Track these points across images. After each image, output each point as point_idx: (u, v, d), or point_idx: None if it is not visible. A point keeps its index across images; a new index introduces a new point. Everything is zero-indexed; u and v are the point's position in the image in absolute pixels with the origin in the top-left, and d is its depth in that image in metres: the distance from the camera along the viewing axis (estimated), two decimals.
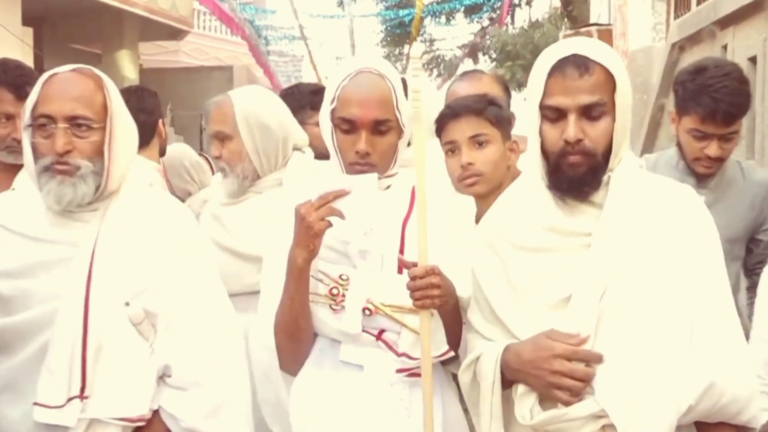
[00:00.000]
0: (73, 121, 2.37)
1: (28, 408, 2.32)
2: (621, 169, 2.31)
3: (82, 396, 2.31)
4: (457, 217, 2.63)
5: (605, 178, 2.29)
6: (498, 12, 19.71)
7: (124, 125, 2.47)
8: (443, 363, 2.55)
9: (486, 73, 3.76)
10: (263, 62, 19.44)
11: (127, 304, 2.37)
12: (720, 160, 3.32)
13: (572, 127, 2.21)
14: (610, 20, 12.59)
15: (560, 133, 2.23)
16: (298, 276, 2.43)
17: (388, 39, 22.61)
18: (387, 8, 20.79)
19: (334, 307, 2.48)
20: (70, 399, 2.30)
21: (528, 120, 2.33)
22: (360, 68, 2.53)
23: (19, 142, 3.26)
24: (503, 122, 3.05)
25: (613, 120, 2.24)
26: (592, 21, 14.79)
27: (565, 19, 18.05)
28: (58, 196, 2.35)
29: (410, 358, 2.46)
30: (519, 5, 21.26)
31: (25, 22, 10.32)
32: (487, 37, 20.97)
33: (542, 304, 2.27)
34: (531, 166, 2.39)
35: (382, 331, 2.48)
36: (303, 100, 3.87)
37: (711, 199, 3.15)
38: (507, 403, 2.31)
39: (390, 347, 2.47)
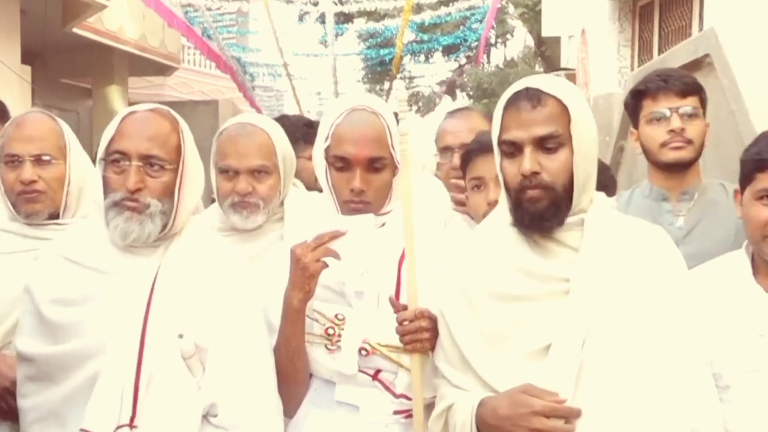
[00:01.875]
0: (147, 160, 2.34)
1: None
2: (594, 211, 2.24)
3: (131, 425, 2.25)
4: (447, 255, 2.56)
5: (577, 219, 2.22)
6: (475, 51, 20.04)
7: (194, 168, 2.45)
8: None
9: (474, 110, 3.71)
10: (249, 97, 19.64)
11: (180, 336, 2.32)
12: (689, 142, 3.08)
13: (527, 160, 2.15)
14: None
15: (518, 168, 2.17)
16: (293, 317, 2.38)
17: (369, 76, 22.89)
18: (368, 47, 21.05)
19: (329, 347, 2.42)
20: (119, 427, 2.24)
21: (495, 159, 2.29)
22: (354, 106, 2.48)
23: None
24: None
25: (572, 152, 2.18)
26: (562, 64, 15.01)
27: (539, 59, 18.36)
28: (124, 233, 2.33)
29: (408, 399, 2.39)
30: (495, 45, 21.63)
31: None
32: (464, 75, 21.31)
33: (519, 353, 2.18)
34: (499, 206, 2.34)
35: (378, 371, 2.42)
36: (297, 132, 3.65)
37: (690, 221, 3.09)
38: None
39: (387, 388, 2.41)
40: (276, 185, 2.94)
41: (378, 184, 2.46)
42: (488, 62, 21.79)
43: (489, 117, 3.50)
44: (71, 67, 14.11)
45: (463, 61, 22.34)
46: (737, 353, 2.40)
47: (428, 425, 2.35)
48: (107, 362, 2.26)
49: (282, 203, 3.03)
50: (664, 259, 2.25)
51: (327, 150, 2.47)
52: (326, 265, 2.33)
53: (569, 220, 2.21)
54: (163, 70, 16.29)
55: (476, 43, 19.02)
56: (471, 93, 20.53)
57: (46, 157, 2.84)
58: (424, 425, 2.34)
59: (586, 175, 2.21)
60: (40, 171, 2.82)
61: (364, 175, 2.43)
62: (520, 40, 19.83)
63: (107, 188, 2.35)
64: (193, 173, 2.44)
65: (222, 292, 2.40)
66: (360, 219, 2.36)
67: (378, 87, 23.13)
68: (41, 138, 2.85)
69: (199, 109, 15.36)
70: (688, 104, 3.10)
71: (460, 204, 3.12)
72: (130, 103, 14.77)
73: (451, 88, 22.23)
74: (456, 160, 3.12)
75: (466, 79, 20.88)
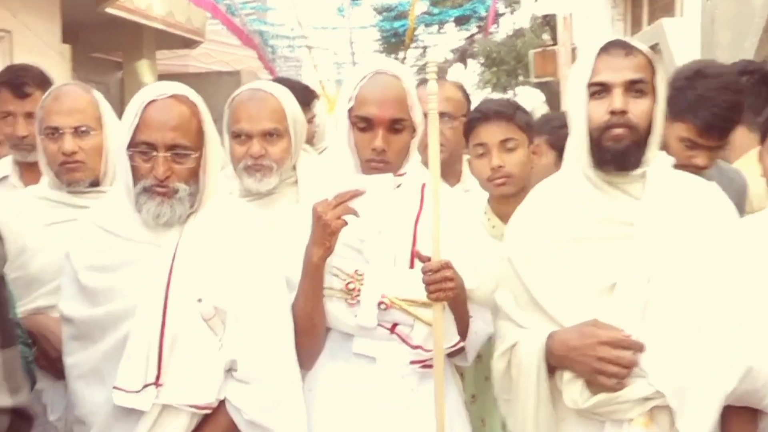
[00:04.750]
0: (173, 150, 2.36)
1: (108, 393, 2.32)
2: (656, 165, 2.30)
3: (157, 383, 2.30)
4: (463, 212, 2.58)
5: (640, 172, 2.27)
6: (484, 21, 20.31)
7: (215, 147, 2.47)
8: (449, 355, 2.49)
9: (447, 80, 3.67)
10: (270, 67, 19.95)
11: (199, 300, 2.36)
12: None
13: (618, 98, 2.22)
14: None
15: (606, 108, 2.23)
16: (313, 273, 2.39)
17: (385, 46, 23.17)
18: (383, 20, 21.35)
19: (350, 301, 2.43)
20: (146, 385, 2.29)
21: (572, 102, 2.32)
22: (377, 69, 2.50)
23: (22, 138, 3.29)
24: (529, 127, 3.03)
25: (654, 102, 2.26)
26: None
27: (546, 28, 18.58)
28: (157, 215, 2.36)
29: (424, 350, 2.40)
30: (503, 14, 21.84)
31: None
32: (475, 44, 21.52)
33: (586, 291, 2.23)
34: (571, 153, 2.36)
35: (395, 325, 2.43)
36: (296, 96, 3.42)
37: None
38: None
39: (404, 340, 2.41)
40: (288, 148, 2.94)
41: (398, 145, 2.47)
42: (497, 31, 21.99)
43: (460, 87, 3.60)
44: (103, 43, 14.22)
45: (474, 30, 22.49)
46: None
47: (492, 364, 2.41)
48: (135, 325, 2.32)
49: (294, 167, 3.03)
50: (720, 210, 2.31)
51: (350, 111, 2.48)
52: (346, 223, 2.34)
53: (634, 172, 2.28)
54: (189, 43, 16.20)
55: (486, 14, 19.20)
56: (481, 62, 20.83)
57: (85, 129, 2.86)
58: (444, 372, 2.37)
59: (661, 127, 2.29)
60: (80, 142, 2.85)
61: (386, 135, 2.44)
62: (528, 10, 20.03)
63: (136, 174, 2.37)
64: (215, 153, 2.47)
65: (240, 255, 2.43)
66: (379, 179, 2.37)
67: (393, 56, 23.35)
68: (79, 110, 2.87)
69: (222, 79, 15.58)
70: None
71: None
72: (158, 75, 15.21)
73: (462, 57, 22.47)
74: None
75: (476, 49, 21.13)
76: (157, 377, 2.31)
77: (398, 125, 2.46)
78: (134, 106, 2.38)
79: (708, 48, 6.39)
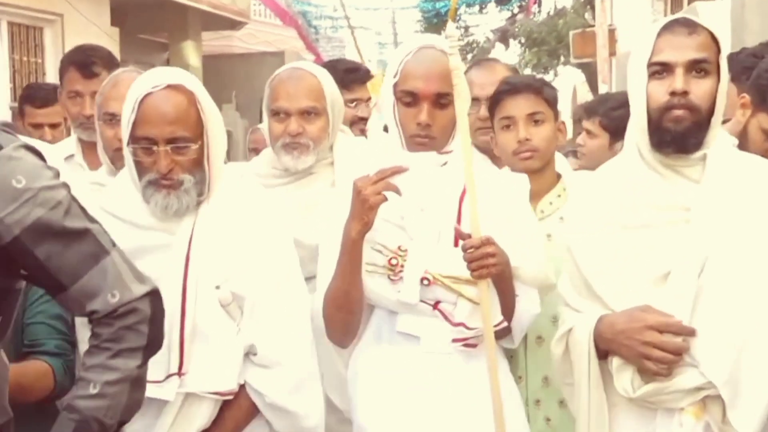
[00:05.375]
0: (173, 143, 2.33)
1: None
2: (717, 147, 2.21)
3: (180, 373, 2.31)
4: (509, 191, 2.53)
5: (700, 154, 2.19)
6: (526, 1, 20.29)
7: (218, 133, 2.44)
8: (495, 337, 2.42)
9: (499, 62, 3.58)
10: (313, 47, 20.14)
11: (217, 287, 2.35)
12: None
13: (680, 79, 2.15)
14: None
15: (666, 88, 2.16)
16: (351, 248, 2.36)
17: (426, 27, 23.21)
18: (425, 1, 21.48)
19: (392, 277, 2.40)
20: (169, 375, 2.30)
21: (632, 82, 2.25)
22: (422, 45, 2.47)
23: (88, 118, 3.29)
24: (556, 103, 2.96)
25: (717, 82, 2.18)
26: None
27: (588, 7, 18.50)
28: (165, 207, 2.35)
29: (467, 328, 2.37)
30: None
31: None
32: (516, 24, 21.51)
33: (641, 278, 2.18)
34: (631, 134, 2.30)
35: (438, 302, 2.39)
36: (335, 77, 3.38)
37: None
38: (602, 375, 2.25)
39: (446, 317, 2.38)
40: (325, 127, 2.94)
41: (443, 121, 2.42)
42: (539, 12, 21.96)
43: (513, 69, 3.51)
44: (150, 25, 14.34)
45: (516, 10, 22.46)
46: None
47: (551, 348, 2.38)
48: None
49: (331, 149, 3.03)
50: None
51: (395, 86, 2.44)
52: (386, 199, 2.30)
53: (694, 155, 2.21)
54: (234, 24, 16.31)
55: None
56: (522, 42, 20.82)
57: None
58: (495, 349, 2.36)
59: (723, 107, 2.21)
60: None
61: (431, 110, 2.40)
62: None
63: (140, 169, 2.36)
64: (218, 139, 2.43)
65: (256, 240, 2.42)
66: (422, 156, 2.35)
67: None
68: None
69: (266, 59, 15.71)
70: None
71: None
72: (203, 56, 15.45)
73: (504, 37, 22.42)
74: (483, 111, 3.04)
75: (517, 29, 21.10)
76: (180, 366, 2.31)
77: (444, 100, 2.41)
78: (131, 101, 2.36)
79: (737, 32, 6.43)
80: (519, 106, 2.84)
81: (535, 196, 2.69)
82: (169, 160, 2.33)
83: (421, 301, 2.39)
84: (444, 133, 2.44)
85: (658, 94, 2.17)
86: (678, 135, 2.16)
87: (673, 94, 2.14)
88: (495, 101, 2.91)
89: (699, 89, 2.16)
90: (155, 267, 2.30)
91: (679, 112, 2.14)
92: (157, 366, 2.24)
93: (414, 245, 2.40)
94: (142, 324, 1.81)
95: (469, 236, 2.29)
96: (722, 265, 2.12)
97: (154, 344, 1.86)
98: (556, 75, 20.17)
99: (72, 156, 3.38)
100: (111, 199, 2.49)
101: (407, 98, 2.42)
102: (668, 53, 2.17)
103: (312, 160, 2.92)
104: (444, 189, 2.44)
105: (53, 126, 4.00)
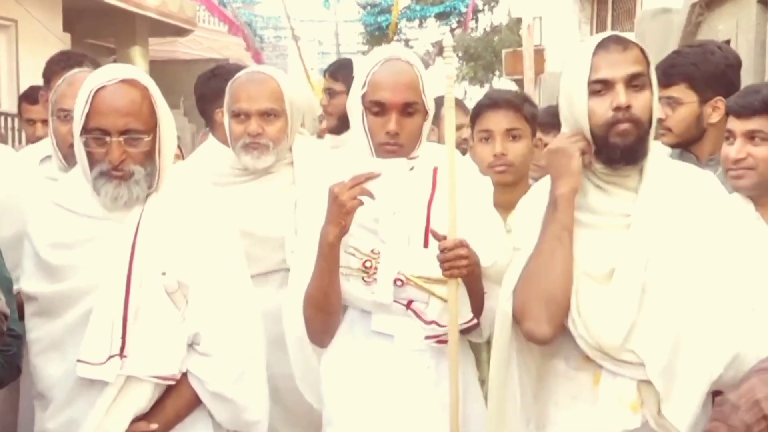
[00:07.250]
0: (126, 134, 2.32)
1: (69, 366, 2.32)
2: (652, 157, 2.25)
3: (121, 354, 2.30)
4: (477, 193, 2.56)
5: (636, 165, 2.23)
6: (464, 17, 20.72)
7: (169, 128, 2.44)
8: (463, 332, 2.47)
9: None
10: (259, 55, 20.28)
11: (163, 273, 2.35)
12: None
13: (622, 93, 2.17)
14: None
15: (609, 104, 2.18)
16: (328, 252, 2.38)
17: (368, 39, 23.51)
18: (368, 14, 21.77)
19: (366, 279, 2.43)
20: (110, 357, 2.29)
21: (572, 100, 2.26)
22: (389, 56, 2.49)
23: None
24: (534, 120, 2.99)
25: (652, 94, 2.22)
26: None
27: (521, 26, 18.88)
28: (115, 197, 2.34)
29: (438, 325, 2.40)
30: (482, 11, 22.24)
31: None
32: (454, 39, 21.74)
33: (585, 275, 2.21)
34: None
35: (410, 302, 2.44)
36: (350, 73, 3.46)
37: None
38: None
39: (418, 316, 2.42)
40: (284, 128, 3.00)
41: (411, 128, 2.46)
42: (476, 28, 22.37)
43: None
44: (99, 31, 14.39)
45: (455, 25, 22.87)
46: None
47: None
48: (98, 299, 2.31)
49: (290, 149, 3.08)
50: (716, 201, 2.28)
51: (364, 96, 2.47)
52: (361, 203, 2.34)
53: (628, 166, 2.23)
54: (181, 32, 16.47)
55: (465, 11, 19.56)
56: (459, 56, 21.25)
57: None
58: (459, 346, 2.40)
59: (657, 118, 2.27)
60: None
61: (399, 119, 2.43)
62: (506, 8, 20.41)
63: (92, 160, 2.35)
64: (169, 133, 2.44)
65: (202, 231, 2.43)
66: (393, 162, 2.38)
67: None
68: None
69: (211, 66, 15.94)
70: None
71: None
72: (150, 61, 15.49)
73: (441, 50, 22.56)
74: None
75: (455, 44, 21.29)
76: (122, 349, 2.30)
77: (411, 108, 2.46)
78: (85, 92, 2.35)
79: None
80: (498, 121, 2.90)
81: (507, 208, 2.73)
82: (121, 151, 2.32)
83: (395, 301, 2.43)
84: (411, 140, 2.48)
85: (602, 110, 2.18)
86: (626, 149, 2.19)
87: (617, 109, 2.17)
88: (476, 114, 2.98)
89: (639, 102, 2.19)
90: (103, 255, 2.33)
91: (624, 126, 2.17)
92: (99, 347, 2.28)
93: (386, 248, 2.44)
94: None
95: (444, 238, 2.33)
96: (661, 267, 2.17)
97: None
98: (491, 88, 20.59)
99: (49, 157, 3.31)
100: (62, 192, 2.48)
101: (376, 108, 2.45)
102: (606, 70, 2.19)
103: (271, 159, 2.99)
104: (413, 193, 2.48)
105: (45, 122, 4.05)
